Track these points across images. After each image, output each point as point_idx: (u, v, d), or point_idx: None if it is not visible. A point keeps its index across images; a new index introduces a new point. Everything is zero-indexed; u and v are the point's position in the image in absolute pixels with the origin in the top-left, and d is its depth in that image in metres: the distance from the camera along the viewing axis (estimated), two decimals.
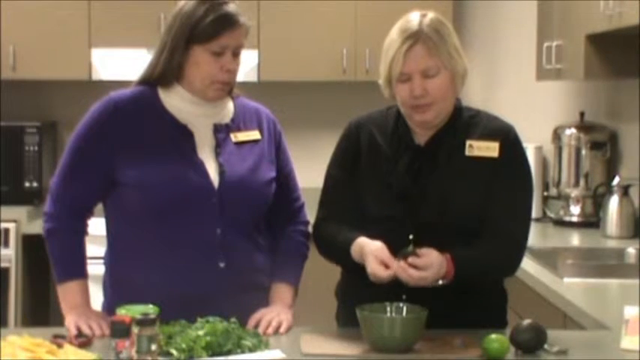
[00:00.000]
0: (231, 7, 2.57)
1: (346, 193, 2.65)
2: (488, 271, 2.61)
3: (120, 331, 2.14)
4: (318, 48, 5.56)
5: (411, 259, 2.44)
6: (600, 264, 3.82)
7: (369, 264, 2.47)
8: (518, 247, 2.63)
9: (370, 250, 2.49)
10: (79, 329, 2.49)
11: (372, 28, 5.24)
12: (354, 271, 2.61)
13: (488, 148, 2.59)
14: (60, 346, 2.24)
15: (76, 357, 2.19)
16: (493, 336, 2.30)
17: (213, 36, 2.54)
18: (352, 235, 2.55)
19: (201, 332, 2.29)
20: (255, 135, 2.70)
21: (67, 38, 5.48)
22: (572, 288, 3.21)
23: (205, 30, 2.54)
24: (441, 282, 2.48)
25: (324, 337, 2.47)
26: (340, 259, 2.63)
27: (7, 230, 5.18)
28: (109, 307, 2.60)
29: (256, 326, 2.52)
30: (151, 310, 2.29)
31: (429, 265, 2.44)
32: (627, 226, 4.20)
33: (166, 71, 2.61)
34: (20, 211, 5.25)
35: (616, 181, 4.27)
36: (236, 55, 2.59)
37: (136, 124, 2.61)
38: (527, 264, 3.54)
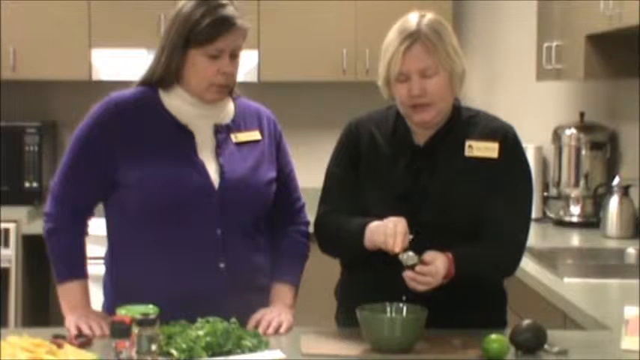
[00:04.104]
0: (228, 10, 2.56)
1: (347, 189, 2.65)
2: (488, 271, 2.61)
3: (120, 331, 2.14)
4: (318, 48, 5.56)
5: (419, 268, 2.43)
6: (600, 264, 3.82)
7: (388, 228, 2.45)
8: (518, 248, 2.63)
9: (389, 218, 2.47)
10: (79, 329, 2.49)
11: (372, 28, 5.24)
12: (356, 264, 2.61)
13: (487, 149, 2.59)
14: (60, 346, 2.24)
15: (76, 357, 2.19)
16: (493, 336, 2.30)
17: (210, 39, 2.54)
18: (367, 219, 2.54)
19: (201, 332, 2.29)
20: (255, 135, 2.70)
21: (67, 38, 5.48)
22: (572, 288, 3.21)
23: (201, 33, 2.53)
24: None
25: (324, 337, 2.47)
26: (346, 246, 2.60)
27: (7, 230, 5.18)
28: (109, 307, 2.60)
29: (256, 326, 2.52)
30: (151, 310, 2.29)
31: (436, 272, 2.44)
32: (627, 227, 4.20)
33: (166, 74, 2.61)
34: (20, 211, 5.25)
35: (616, 181, 4.27)
36: (234, 57, 2.59)
37: (137, 124, 2.61)
38: (527, 264, 3.54)
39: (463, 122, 2.63)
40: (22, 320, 5.22)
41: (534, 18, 4.65)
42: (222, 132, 2.65)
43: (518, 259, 2.65)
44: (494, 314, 2.68)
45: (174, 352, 2.25)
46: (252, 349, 2.31)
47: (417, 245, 2.51)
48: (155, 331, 2.14)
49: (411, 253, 2.44)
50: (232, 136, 2.66)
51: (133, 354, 2.12)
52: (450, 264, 2.47)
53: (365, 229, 2.51)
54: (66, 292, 2.63)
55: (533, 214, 3.27)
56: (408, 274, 2.44)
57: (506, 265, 2.65)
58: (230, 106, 2.70)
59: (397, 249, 2.43)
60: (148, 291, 2.51)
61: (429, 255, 2.46)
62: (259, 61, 5.53)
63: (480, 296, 2.60)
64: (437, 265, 2.44)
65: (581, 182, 4.55)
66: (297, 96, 5.88)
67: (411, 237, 2.50)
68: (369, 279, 2.58)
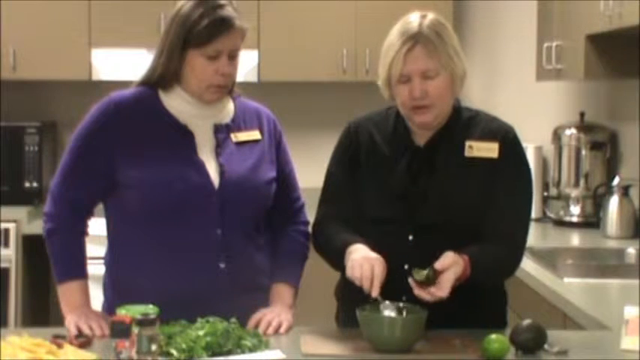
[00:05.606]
0: (226, 11, 2.56)
1: (347, 190, 2.64)
2: (494, 273, 2.61)
3: (120, 331, 2.14)
4: (318, 48, 5.56)
5: (433, 289, 2.39)
6: (600, 264, 3.82)
7: (359, 265, 2.42)
8: (518, 249, 2.63)
9: (368, 256, 2.45)
10: (79, 329, 2.49)
11: (372, 28, 5.24)
12: None
13: (487, 149, 2.59)
14: (60, 346, 2.24)
15: (76, 357, 2.19)
16: (493, 336, 2.30)
17: (208, 41, 2.53)
18: (350, 239, 2.53)
19: (201, 332, 2.29)
20: (255, 135, 2.70)
21: (67, 38, 5.48)
22: (572, 288, 3.21)
23: (199, 35, 2.53)
24: None
25: (324, 337, 2.47)
26: (332, 262, 2.61)
27: (7, 230, 5.18)
28: (109, 307, 2.60)
29: (256, 326, 2.52)
30: (151, 310, 2.30)
31: (448, 289, 2.40)
32: (627, 226, 4.20)
33: (165, 74, 2.61)
34: (20, 211, 5.25)
35: (616, 181, 4.27)
36: (232, 57, 2.59)
37: (137, 124, 2.61)
38: (527, 264, 3.54)
39: (463, 123, 2.63)
40: (22, 320, 5.22)
41: (534, 18, 4.65)
42: (221, 132, 2.65)
43: (518, 260, 2.64)
44: (494, 314, 2.68)
45: (174, 352, 2.25)
46: (252, 349, 2.31)
47: (417, 246, 2.51)
48: (155, 331, 2.14)
49: (387, 302, 2.39)
50: (232, 135, 2.66)
51: (133, 354, 2.12)
52: (466, 265, 2.45)
53: (345, 251, 2.50)
54: (66, 292, 2.63)
55: (534, 214, 3.29)
56: (416, 293, 2.41)
57: (508, 266, 2.65)
58: (230, 106, 2.70)
59: (375, 294, 2.40)
60: (148, 291, 2.51)
61: (444, 261, 2.41)
62: (259, 61, 5.53)
63: (480, 296, 2.60)
64: (449, 283, 2.39)
65: (581, 182, 4.55)
66: (297, 96, 5.88)
67: (410, 238, 2.51)
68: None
